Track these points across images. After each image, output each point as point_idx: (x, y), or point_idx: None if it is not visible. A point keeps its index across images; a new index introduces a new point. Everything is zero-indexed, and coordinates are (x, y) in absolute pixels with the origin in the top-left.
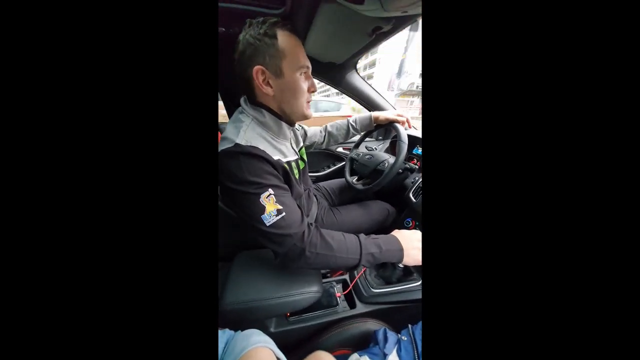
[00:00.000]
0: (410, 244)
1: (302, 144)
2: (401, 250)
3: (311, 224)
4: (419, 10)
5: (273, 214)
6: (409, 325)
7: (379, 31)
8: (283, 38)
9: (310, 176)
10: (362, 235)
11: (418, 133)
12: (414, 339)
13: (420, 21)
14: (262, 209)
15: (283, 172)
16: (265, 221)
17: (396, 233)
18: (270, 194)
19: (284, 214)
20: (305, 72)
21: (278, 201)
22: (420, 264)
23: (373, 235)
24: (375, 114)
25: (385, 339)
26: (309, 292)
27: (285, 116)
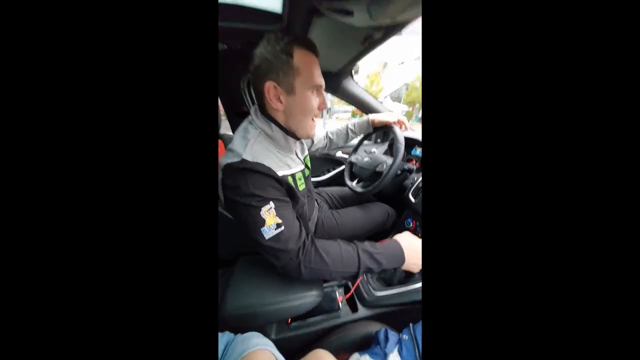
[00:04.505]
0: (413, 251)
1: (307, 152)
2: (402, 260)
3: (307, 234)
4: (407, 17)
5: (272, 228)
6: (410, 324)
7: (371, 39)
8: (299, 56)
9: (312, 181)
10: (361, 247)
11: (415, 135)
12: (415, 338)
13: None
14: (262, 222)
15: (287, 186)
16: (264, 234)
17: (399, 238)
18: (270, 208)
19: (282, 228)
20: (317, 90)
21: (278, 214)
22: (418, 271)
23: (375, 246)
24: (372, 116)
25: (386, 339)
26: (309, 296)
27: (291, 131)
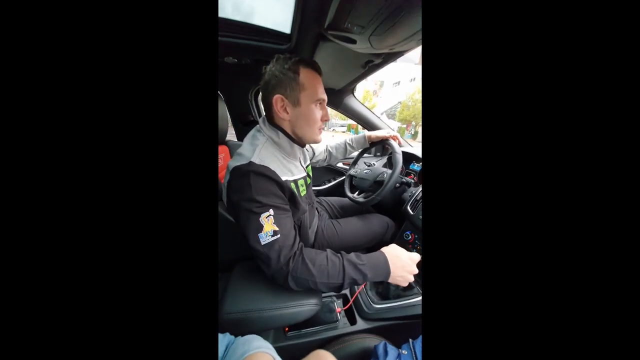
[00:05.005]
0: (398, 262)
1: (309, 161)
2: (387, 272)
3: (299, 245)
4: (404, 48)
5: (269, 235)
6: (410, 340)
7: (371, 64)
8: (304, 74)
9: (312, 190)
10: (346, 258)
11: (413, 150)
12: (415, 353)
13: None
14: (260, 227)
15: (289, 193)
16: (261, 240)
17: (386, 250)
18: (270, 215)
19: (278, 236)
20: (320, 103)
21: (276, 222)
22: (406, 284)
23: (360, 258)
24: (368, 133)
25: (386, 353)
26: (308, 304)
27: (297, 138)
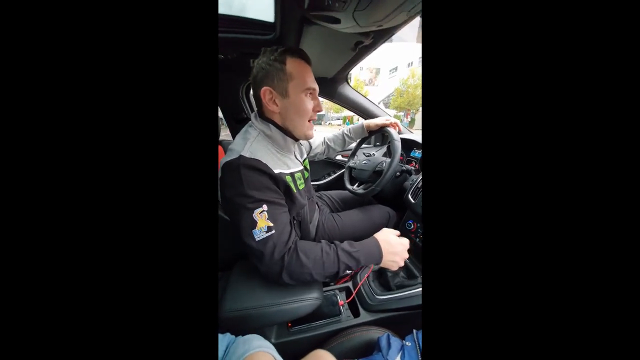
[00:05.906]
0: (390, 248)
1: (305, 155)
2: (379, 256)
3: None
4: (393, 23)
5: (263, 231)
6: (414, 331)
7: (361, 45)
8: (291, 63)
9: (312, 185)
10: (340, 248)
11: (414, 137)
12: (418, 345)
13: None
14: (254, 223)
15: (284, 187)
16: (255, 236)
17: (378, 235)
18: (263, 210)
19: (273, 232)
20: (311, 93)
21: (270, 218)
22: (396, 269)
23: (352, 245)
24: (366, 122)
25: (389, 345)
26: (309, 299)
27: (288, 132)
